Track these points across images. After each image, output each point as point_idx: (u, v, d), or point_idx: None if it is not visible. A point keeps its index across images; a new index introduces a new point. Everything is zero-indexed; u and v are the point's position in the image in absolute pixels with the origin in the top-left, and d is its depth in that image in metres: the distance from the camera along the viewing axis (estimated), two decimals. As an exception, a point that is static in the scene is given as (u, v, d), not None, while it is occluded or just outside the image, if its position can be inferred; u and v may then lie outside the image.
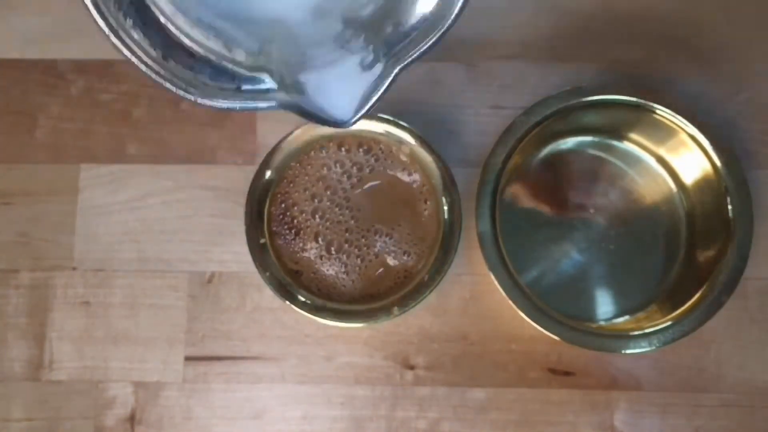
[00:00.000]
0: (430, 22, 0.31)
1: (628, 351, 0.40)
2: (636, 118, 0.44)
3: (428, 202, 0.43)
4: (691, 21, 0.48)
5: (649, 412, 0.44)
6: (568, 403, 0.44)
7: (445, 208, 0.42)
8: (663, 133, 0.44)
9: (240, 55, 0.32)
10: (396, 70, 0.31)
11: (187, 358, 0.45)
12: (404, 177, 0.43)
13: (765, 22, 0.48)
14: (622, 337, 0.41)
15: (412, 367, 0.45)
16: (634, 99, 0.43)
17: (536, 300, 0.41)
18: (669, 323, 0.41)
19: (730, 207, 0.42)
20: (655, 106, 0.43)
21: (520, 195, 0.46)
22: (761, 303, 0.45)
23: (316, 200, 0.43)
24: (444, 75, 0.48)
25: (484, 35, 0.48)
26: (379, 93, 0.31)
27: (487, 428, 0.44)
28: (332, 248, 0.43)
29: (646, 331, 0.41)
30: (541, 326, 0.40)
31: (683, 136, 0.43)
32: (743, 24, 0.48)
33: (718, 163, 0.43)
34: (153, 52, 0.31)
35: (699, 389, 0.44)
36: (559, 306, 0.43)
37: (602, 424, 0.44)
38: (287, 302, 0.41)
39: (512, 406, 0.44)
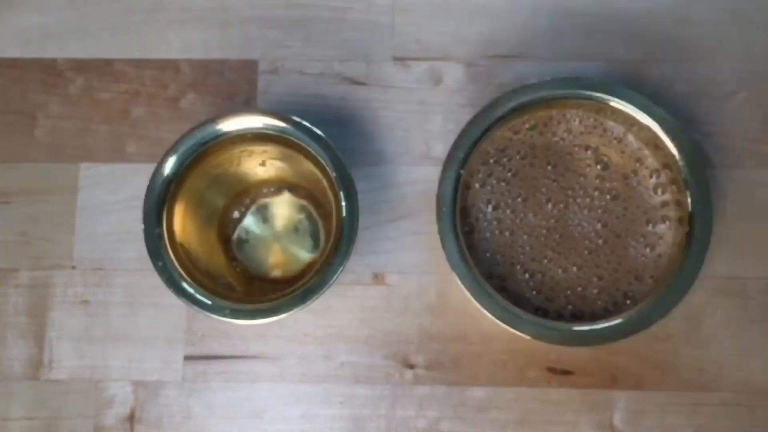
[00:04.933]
0: None
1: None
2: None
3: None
4: (690, 21, 0.48)
5: (649, 412, 0.44)
6: (568, 403, 0.44)
7: (343, 204, 0.41)
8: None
9: None
10: None
11: (187, 357, 0.45)
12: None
13: (765, 23, 0.48)
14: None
15: (411, 366, 0.45)
16: (587, 93, 0.42)
17: (497, 294, 0.41)
18: (621, 320, 0.41)
19: (689, 201, 0.42)
20: (612, 99, 0.42)
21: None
22: (761, 303, 0.45)
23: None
24: (443, 74, 0.48)
25: (483, 35, 0.48)
26: None
27: (486, 427, 0.44)
28: None
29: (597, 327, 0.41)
30: (504, 322, 0.40)
31: (636, 129, 0.43)
32: (743, 24, 0.48)
33: (677, 157, 0.42)
34: None
35: (699, 388, 0.44)
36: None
37: (602, 423, 0.44)
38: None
39: (512, 405, 0.44)
